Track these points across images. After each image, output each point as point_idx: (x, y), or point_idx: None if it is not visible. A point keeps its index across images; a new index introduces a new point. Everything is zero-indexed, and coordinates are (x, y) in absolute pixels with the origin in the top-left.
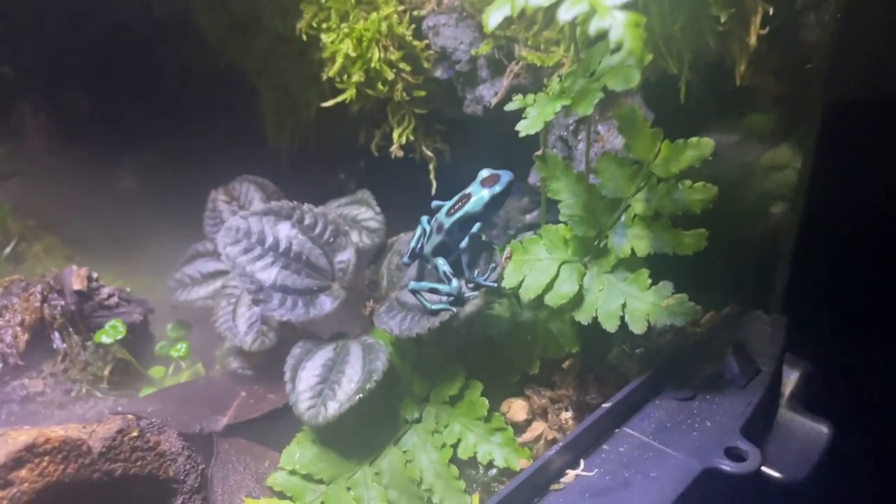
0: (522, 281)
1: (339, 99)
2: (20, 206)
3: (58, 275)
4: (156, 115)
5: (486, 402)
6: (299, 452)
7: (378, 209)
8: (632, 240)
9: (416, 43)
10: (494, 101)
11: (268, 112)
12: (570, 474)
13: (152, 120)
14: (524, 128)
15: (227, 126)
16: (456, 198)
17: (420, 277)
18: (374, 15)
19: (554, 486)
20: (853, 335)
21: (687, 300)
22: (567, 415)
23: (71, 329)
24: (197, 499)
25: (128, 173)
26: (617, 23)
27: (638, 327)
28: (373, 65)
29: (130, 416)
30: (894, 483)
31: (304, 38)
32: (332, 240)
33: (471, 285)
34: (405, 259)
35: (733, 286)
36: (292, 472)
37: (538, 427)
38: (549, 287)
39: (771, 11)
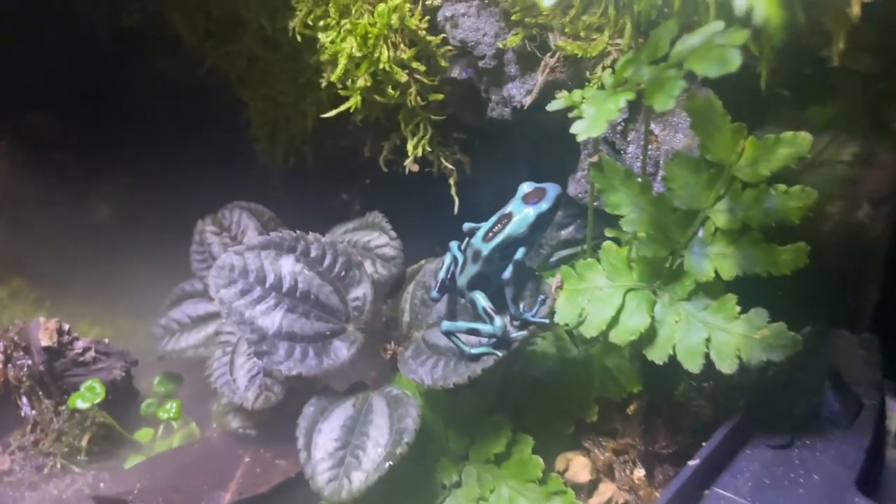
0: (581, 316)
1: (342, 108)
2: None
3: (23, 329)
4: (132, 137)
5: (540, 460)
6: None
7: (393, 234)
8: (714, 259)
9: (430, 38)
10: (528, 100)
11: (257, 126)
12: None
13: (128, 142)
14: (583, 130)
15: (212, 145)
16: (494, 219)
17: (452, 315)
18: (381, 7)
19: None
20: None
21: (785, 330)
22: (639, 472)
23: (41, 393)
24: None
25: (103, 202)
26: None
27: (727, 365)
28: (381, 66)
29: None
30: None
31: (298, 38)
32: (343, 273)
33: (517, 323)
34: (434, 293)
35: (811, 303)
36: None
37: (606, 490)
38: (615, 321)
39: None
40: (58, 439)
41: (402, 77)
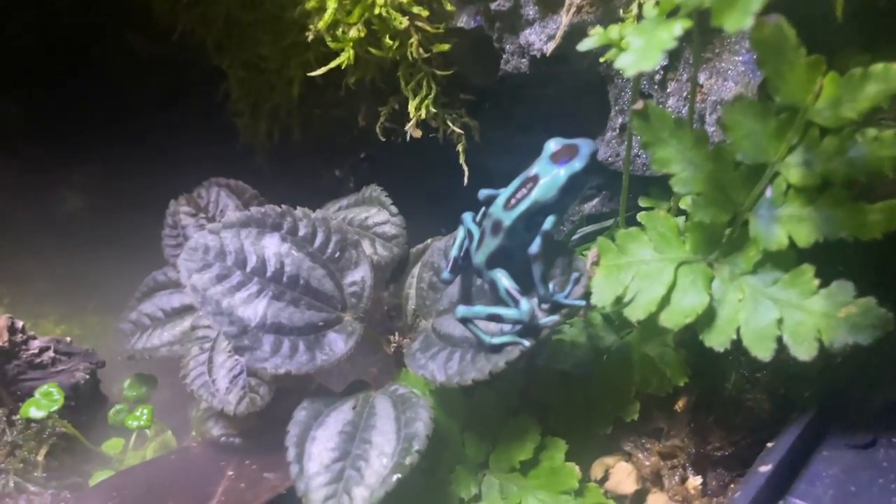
0: (622, 296)
1: (333, 65)
2: None
3: None
4: (104, 119)
5: (575, 467)
6: None
7: (394, 209)
8: (786, 223)
9: None
10: (550, 47)
11: (237, 97)
12: None
13: (100, 125)
14: (631, 64)
15: (191, 123)
16: (516, 183)
17: (468, 299)
18: None
19: None
20: None
21: (875, 306)
22: (694, 481)
23: None
24: None
25: (73, 192)
26: None
27: (805, 350)
28: (377, 11)
29: None
30: None
31: None
32: (337, 255)
33: (546, 306)
34: (445, 274)
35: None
36: None
37: (657, 502)
38: (666, 301)
39: None
40: (11, 453)
41: (402, 22)
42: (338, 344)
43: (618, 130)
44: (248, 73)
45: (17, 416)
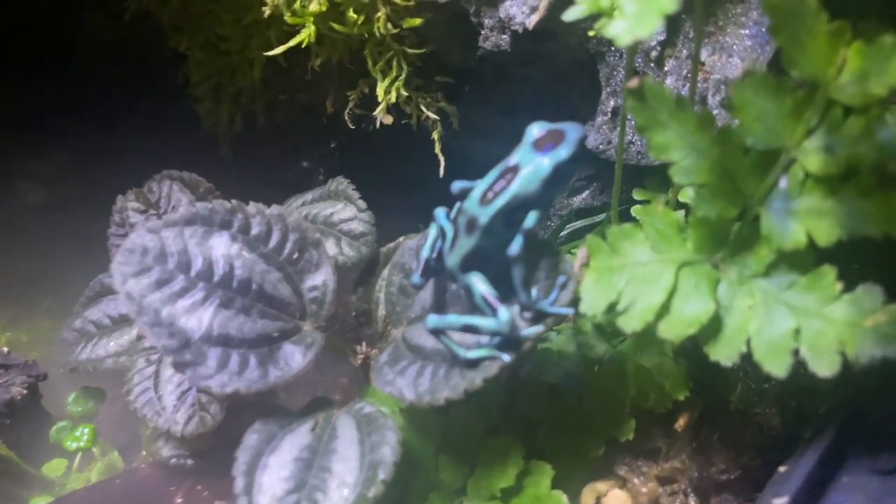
0: (616, 302)
1: (292, 43)
2: None
3: None
4: (65, 106)
5: (563, 497)
6: None
7: (363, 204)
8: (804, 218)
9: None
10: (533, 20)
11: (197, 81)
12: None
13: (61, 112)
14: (625, 31)
15: (155, 110)
16: (494, 174)
17: (441, 306)
18: None
19: None
20: None
21: None
22: None
23: None
24: None
25: (33, 184)
26: None
27: (826, 365)
28: None
29: None
30: None
31: None
32: (295, 256)
33: (528, 315)
34: (415, 278)
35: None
36: None
37: None
38: (665, 309)
39: None
40: None
41: None
42: (295, 357)
43: (609, 115)
44: (207, 54)
45: None
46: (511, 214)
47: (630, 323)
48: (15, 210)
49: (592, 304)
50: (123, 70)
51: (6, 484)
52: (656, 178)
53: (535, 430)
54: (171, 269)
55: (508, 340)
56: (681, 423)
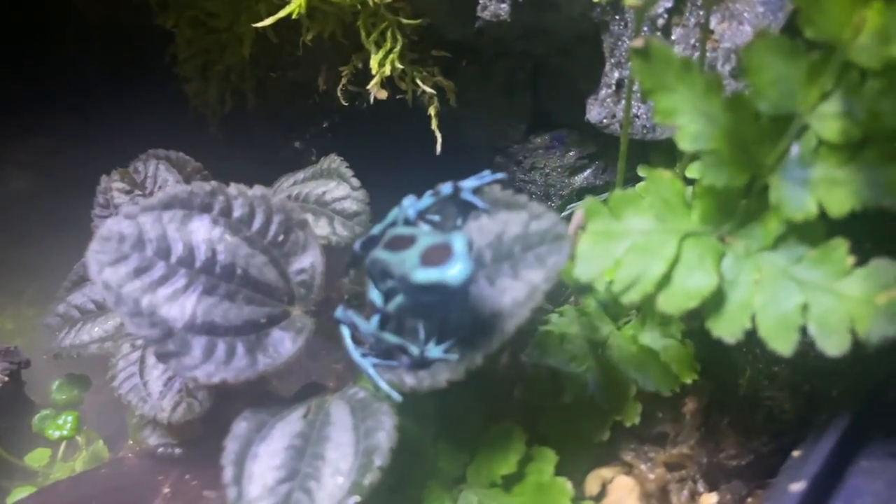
0: (614, 270)
1: (282, 14)
2: None
3: None
4: (51, 90)
5: (567, 484)
6: None
7: (356, 182)
8: (817, 187)
9: None
10: None
11: (185, 59)
12: None
13: (47, 96)
14: None
15: (142, 92)
16: (396, 227)
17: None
18: None
19: None
20: None
21: None
22: (710, 499)
23: None
24: None
25: (18, 170)
26: None
27: (834, 344)
28: None
29: None
30: None
31: None
32: (281, 238)
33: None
34: (356, 245)
35: None
36: None
37: None
38: (666, 280)
39: None
40: None
41: None
42: (284, 344)
43: (613, 87)
44: (195, 32)
45: None
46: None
47: (629, 294)
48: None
49: (587, 269)
50: (110, 52)
51: None
52: (662, 153)
53: (538, 415)
54: (149, 256)
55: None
56: (689, 407)
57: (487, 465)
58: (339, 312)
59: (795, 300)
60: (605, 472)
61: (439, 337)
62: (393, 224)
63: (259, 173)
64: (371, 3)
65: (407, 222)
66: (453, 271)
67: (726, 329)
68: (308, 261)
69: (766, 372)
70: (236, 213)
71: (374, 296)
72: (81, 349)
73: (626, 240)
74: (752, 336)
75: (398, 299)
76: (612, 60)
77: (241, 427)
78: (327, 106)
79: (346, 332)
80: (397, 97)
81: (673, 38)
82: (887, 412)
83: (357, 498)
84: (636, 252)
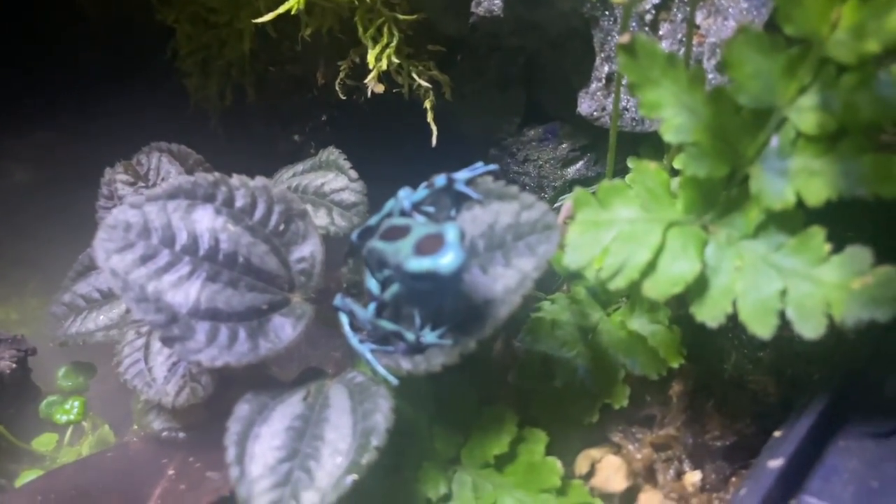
0: (602, 258)
1: (281, 10)
2: None
3: None
4: (52, 85)
5: (557, 462)
6: None
7: (354, 174)
8: (795, 178)
9: None
10: None
11: (185, 54)
12: None
13: (48, 91)
14: None
15: (143, 87)
16: (392, 217)
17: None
18: None
19: None
20: None
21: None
22: (692, 476)
23: None
24: None
25: (19, 165)
26: None
27: (811, 327)
28: None
29: None
30: None
31: None
32: (282, 227)
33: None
34: (353, 235)
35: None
36: None
37: (650, 501)
38: (651, 267)
39: None
40: None
41: None
42: (285, 329)
43: (604, 80)
44: (195, 27)
45: None
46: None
47: (615, 280)
48: (1, 191)
49: (576, 258)
50: (111, 48)
51: None
52: (651, 145)
53: (529, 399)
54: (155, 244)
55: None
56: (675, 389)
57: (481, 447)
58: (338, 300)
59: (774, 286)
60: (594, 453)
61: (434, 323)
62: (389, 215)
63: (259, 166)
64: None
65: (403, 213)
66: (445, 260)
67: (709, 314)
68: (308, 250)
69: (751, 357)
70: (238, 203)
71: (371, 285)
72: (87, 337)
73: (613, 229)
74: (737, 322)
75: (394, 288)
76: (602, 55)
77: (243, 409)
78: (326, 100)
79: (344, 319)
80: (394, 91)
81: (660, 33)
82: (865, 395)
83: (354, 476)
84: (623, 240)
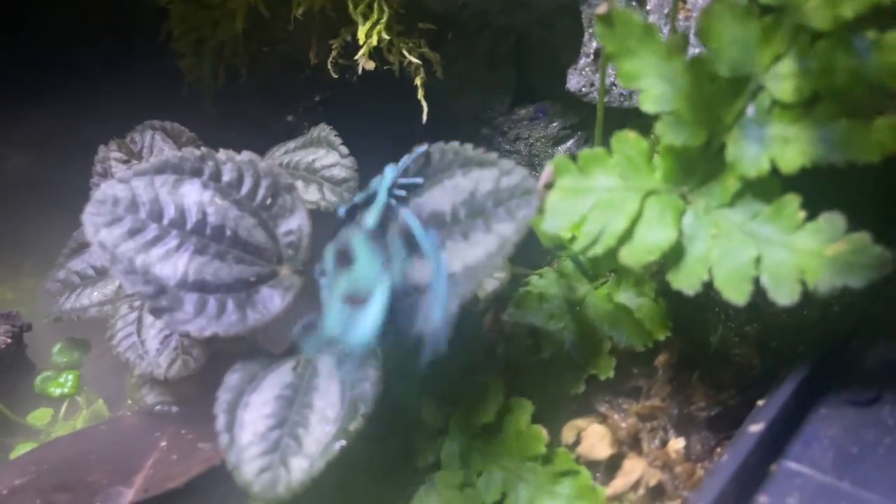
0: (580, 224)
1: None
2: None
3: None
4: (46, 67)
5: (543, 431)
6: None
7: (345, 150)
8: (770, 145)
9: None
10: None
11: (179, 35)
12: None
13: (42, 74)
14: None
15: (138, 68)
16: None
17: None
18: None
19: None
20: None
21: (870, 243)
22: (676, 444)
23: None
24: None
25: (13, 149)
26: None
27: (785, 294)
28: None
29: None
30: None
31: None
32: (269, 201)
33: None
34: (340, 210)
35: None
36: None
37: (634, 467)
38: (628, 235)
39: None
40: None
41: None
42: (273, 300)
43: (592, 56)
44: (188, 8)
45: None
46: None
47: (593, 248)
48: None
49: (556, 223)
50: (105, 30)
51: None
52: (639, 121)
53: (517, 371)
54: (143, 218)
55: None
56: (661, 360)
57: (468, 416)
58: (317, 271)
59: (749, 253)
60: (580, 423)
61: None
62: (374, 195)
63: (252, 147)
64: None
65: (391, 193)
66: (355, 331)
67: (685, 282)
68: (296, 223)
69: (738, 331)
70: (225, 178)
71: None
72: (81, 312)
73: (592, 196)
74: (724, 297)
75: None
76: (590, 30)
77: (233, 378)
78: (318, 80)
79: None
80: (385, 68)
81: (648, 7)
82: (846, 366)
83: (343, 442)
84: (601, 208)
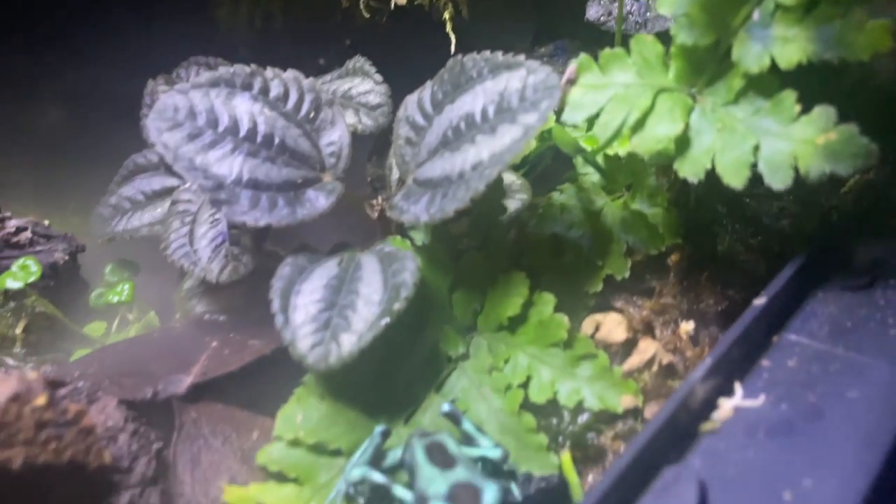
0: (597, 116)
1: None
2: None
3: None
4: (73, 21)
5: (564, 318)
6: (302, 414)
7: (379, 77)
8: (774, 44)
9: None
10: None
11: None
12: (726, 406)
13: (70, 28)
14: None
15: (168, 15)
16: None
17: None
18: None
19: (705, 426)
20: None
21: (857, 134)
22: (686, 326)
23: None
24: (153, 492)
25: (50, 104)
26: None
27: (780, 179)
28: None
29: (33, 375)
30: None
31: None
32: (312, 115)
33: None
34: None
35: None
36: (294, 443)
37: (647, 347)
38: (639, 126)
39: None
40: None
41: None
42: (319, 200)
43: None
44: None
45: None
46: None
47: (605, 132)
48: (35, 127)
49: (574, 115)
50: None
51: (52, 339)
52: None
53: (541, 274)
54: (200, 125)
55: None
56: (673, 258)
57: (495, 312)
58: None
59: (749, 143)
60: (598, 317)
61: None
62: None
63: None
64: None
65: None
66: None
67: (690, 170)
68: (336, 134)
69: (743, 241)
70: (273, 92)
71: (398, 491)
72: (133, 232)
73: (609, 91)
74: (731, 210)
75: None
76: None
77: (284, 270)
78: (349, 25)
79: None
80: (415, 3)
81: None
82: (842, 259)
83: (388, 319)
84: (617, 101)
